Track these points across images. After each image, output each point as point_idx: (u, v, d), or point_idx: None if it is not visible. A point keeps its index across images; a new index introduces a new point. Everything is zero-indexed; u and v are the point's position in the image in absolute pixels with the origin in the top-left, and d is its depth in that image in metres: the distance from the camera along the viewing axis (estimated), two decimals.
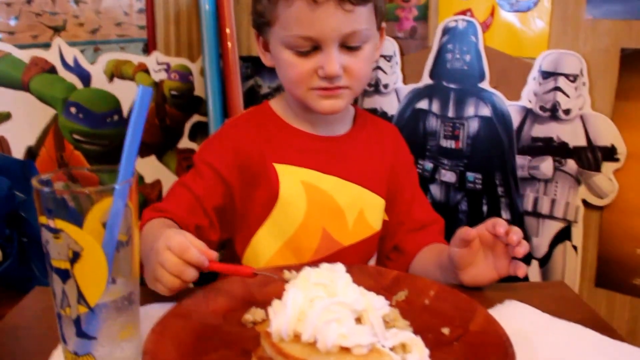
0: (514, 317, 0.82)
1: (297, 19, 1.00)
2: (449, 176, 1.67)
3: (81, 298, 0.65)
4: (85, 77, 2.08)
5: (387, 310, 0.72)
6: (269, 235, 1.13)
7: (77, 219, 0.64)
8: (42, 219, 0.64)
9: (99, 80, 2.11)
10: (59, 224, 0.63)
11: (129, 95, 2.19)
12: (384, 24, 1.14)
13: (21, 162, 1.75)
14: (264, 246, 1.13)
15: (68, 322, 0.66)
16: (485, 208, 1.66)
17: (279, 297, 0.71)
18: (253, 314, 0.82)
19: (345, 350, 0.64)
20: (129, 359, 0.70)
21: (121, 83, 2.15)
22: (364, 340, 0.64)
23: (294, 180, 1.11)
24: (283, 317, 0.67)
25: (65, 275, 0.65)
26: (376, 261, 1.23)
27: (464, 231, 0.92)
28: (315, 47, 1.02)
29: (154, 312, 0.78)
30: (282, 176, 1.11)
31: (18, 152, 2.00)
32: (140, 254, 0.76)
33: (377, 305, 0.71)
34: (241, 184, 1.12)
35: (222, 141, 1.15)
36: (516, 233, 0.89)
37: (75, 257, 0.63)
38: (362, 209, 1.16)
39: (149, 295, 0.87)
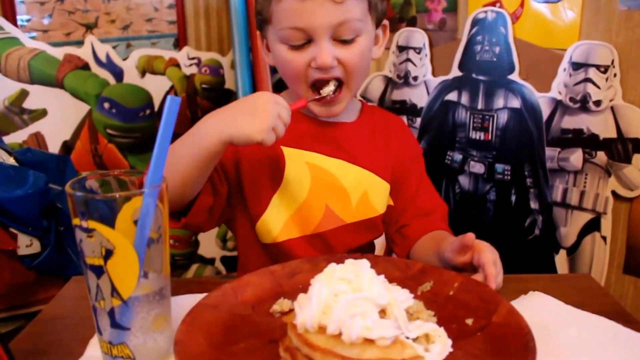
0: (537, 308, 0.83)
1: (289, 12, 1.05)
2: (477, 167, 1.67)
3: (115, 292, 0.68)
4: (118, 73, 2.11)
5: (410, 302, 0.74)
6: (277, 211, 1.17)
7: (109, 220, 0.66)
8: (76, 220, 0.67)
9: (131, 76, 2.14)
10: (91, 224, 0.66)
11: (161, 89, 2.22)
12: (386, 22, 1.17)
13: (57, 157, 1.80)
14: (274, 220, 1.17)
15: (103, 314, 0.69)
16: (513, 199, 1.66)
17: (306, 287, 0.73)
18: (281, 305, 0.84)
19: (369, 341, 0.66)
20: (161, 349, 0.73)
21: (153, 78, 2.18)
22: (387, 333, 0.66)
23: (299, 162, 1.16)
24: (308, 310, 0.69)
25: (99, 271, 0.67)
26: (385, 244, 1.27)
27: (464, 240, 0.94)
28: (308, 40, 1.06)
29: (184, 303, 0.81)
30: (289, 158, 1.16)
31: (54, 146, 2.05)
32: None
33: (400, 298, 0.73)
34: (249, 161, 1.16)
35: None
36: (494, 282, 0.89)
37: (108, 254, 0.66)
38: (366, 191, 1.20)
39: (181, 287, 0.90)
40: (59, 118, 2.06)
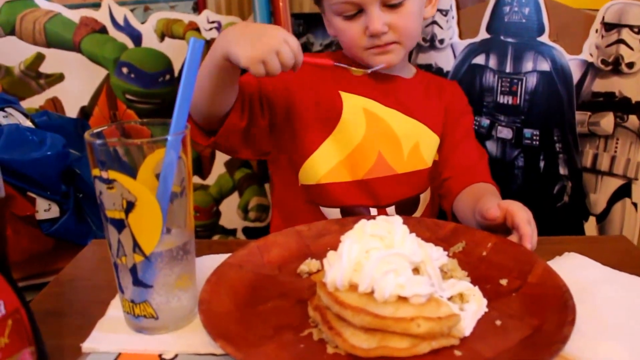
0: (573, 269, 0.80)
1: None
2: (505, 132, 1.62)
3: (137, 247, 0.65)
4: (136, 37, 2.07)
5: (444, 260, 0.71)
6: (328, 152, 1.19)
7: (130, 170, 0.63)
8: (95, 171, 0.64)
9: (149, 40, 2.10)
10: (112, 174, 0.63)
11: (180, 54, 2.17)
12: None
13: (75, 121, 1.77)
14: (323, 161, 1.18)
15: (124, 271, 0.66)
16: (542, 164, 1.61)
17: (334, 249, 0.70)
18: (308, 265, 0.81)
19: (403, 300, 0.62)
20: (184, 308, 0.70)
21: (172, 42, 2.13)
22: (422, 290, 0.63)
23: (356, 106, 1.19)
24: (338, 268, 0.66)
25: (120, 225, 0.64)
26: (430, 199, 1.28)
27: (489, 215, 0.91)
28: (359, 9, 1.11)
29: (208, 264, 0.78)
30: (346, 102, 1.18)
31: (72, 112, 2.02)
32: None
33: (434, 256, 0.69)
34: (304, 99, 1.18)
35: None
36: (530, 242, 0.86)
37: (129, 207, 0.63)
38: (417, 142, 1.22)
39: (204, 248, 0.87)
40: (76, 83, 2.02)
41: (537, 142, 1.61)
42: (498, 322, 0.68)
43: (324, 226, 0.91)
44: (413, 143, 1.22)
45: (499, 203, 0.90)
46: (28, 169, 1.38)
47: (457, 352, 0.63)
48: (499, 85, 1.64)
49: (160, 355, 0.66)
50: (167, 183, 0.64)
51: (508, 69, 1.62)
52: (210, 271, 0.76)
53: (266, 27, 0.94)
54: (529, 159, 1.61)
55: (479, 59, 1.68)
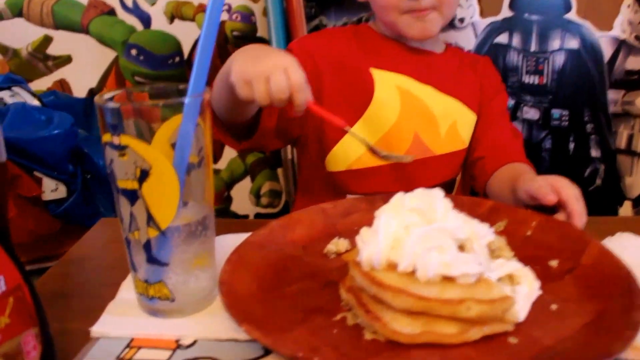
0: (626, 249, 0.72)
1: None
2: (532, 113, 1.55)
3: (151, 220, 0.58)
4: (145, 19, 2.02)
5: (492, 238, 0.64)
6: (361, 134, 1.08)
7: (144, 135, 0.57)
8: (106, 137, 0.58)
9: (159, 22, 2.04)
10: (124, 140, 0.56)
11: (190, 37, 2.12)
12: None
13: (83, 100, 1.71)
14: (353, 146, 1.10)
15: (138, 247, 0.60)
16: (572, 146, 1.54)
17: (362, 227, 0.63)
18: (336, 245, 0.75)
19: (449, 280, 0.56)
20: (203, 289, 0.64)
21: (181, 24, 2.08)
22: (470, 269, 0.56)
23: (389, 85, 1.11)
24: (375, 245, 0.59)
25: (133, 196, 0.58)
26: (460, 180, 1.23)
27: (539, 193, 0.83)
28: None
29: (227, 243, 0.71)
30: (378, 80, 1.11)
31: (80, 94, 1.97)
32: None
33: (481, 232, 0.63)
34: (333, 80, 1.10)
35: (323, 35, 1.19)
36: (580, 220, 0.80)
37: (143, 175, 0.56)
38: (455, 121, 1.15)
39: (221, 227, 0.81)
40: (84, 65, 1.98)
41: (566, 123, 1.54)
42: (554, 307, 0.61)
43: (351, 204, 0.84)
44: (450, 122, 1.15)
45: (545, 179, 0.83)
46: (34, 147, 1.32)
47: (512, 339, 0.56)
48: (524, 64, 1.57)
49: (177, 341, 0.59)
50: (183, 152, 0.58)
51: (533, 48, 1.55)
52: (229, 251, 0.69)
53: (274, 51, 0.84)
54: (557, 140, 1.54)
55: (502, 38, 1.61)
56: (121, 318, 0.63)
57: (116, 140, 0.56)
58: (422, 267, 0.56)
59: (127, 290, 0.67)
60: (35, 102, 1.46)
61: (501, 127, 1.19)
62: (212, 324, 0.61)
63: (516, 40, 1.58)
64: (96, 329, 0.61)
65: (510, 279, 0.62)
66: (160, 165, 0.56)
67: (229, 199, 2.25)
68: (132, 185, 0.57)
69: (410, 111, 1.11)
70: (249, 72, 0.78)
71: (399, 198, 0.63)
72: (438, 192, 0.63)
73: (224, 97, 0.88)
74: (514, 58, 1.57)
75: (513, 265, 0.63)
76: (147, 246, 0.59)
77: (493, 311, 0.56)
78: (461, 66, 1.21)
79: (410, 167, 1.08)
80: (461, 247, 0.59)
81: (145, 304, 0.63)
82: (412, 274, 0.57)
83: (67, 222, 1.43)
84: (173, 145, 0.58)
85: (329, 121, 0.83)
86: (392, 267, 0.58)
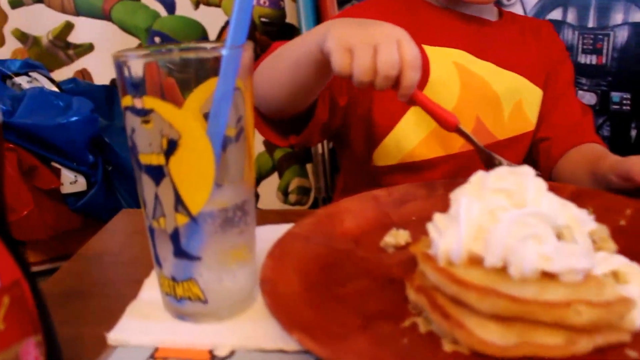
0: None
1: None
2: (587, 97, 1.43)
3: (180, 204, 0.47)
4: (169, 5, 1.94)
5: (593, 225, 0.52)
6: (414, 123, 0.98)
7: (173, 97, 0.46)
8: (126, 100, 0.47)
9: (183, 8, 1.97)
10: (148, 102, 0.46)
11: (216, 24, 2.04)
12: None
13: (105, 87, 1.62)
14: (408, 134, 0.98)
15: (163, 237, 0.49)
16: (633, 133, 1.42)
17: (422, 218, 0.54)
18: (395, 236, 0.64)
19: (549, 277, 0.44)
20: (242, 289, 0.53)
21: (207, 10, 2.00)
22: (578, 263, 0.44)
23: (445, 62, 0.98)
24: (453, 234, 0.48)
25: (158, 173, 0.47)
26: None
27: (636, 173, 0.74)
28: None
29: (266, 237, 0.60)
30: (433, 58, 0.97)
31: (101, 84, 1.89)
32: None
33: (582, 218, 0.51)
34: None
35: (372, 6, 1.05)
36: None
37: (171, 147, 0.46)
38: (520, 100, 1.03)
39: (258, 218, 0.70)
40: (106, 53, 1.89)
41: (628, 108, 1.42)
42: None
43: (406, 191, 0.73)
44: (515, 101, 1.02)
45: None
46: (52, 135, 1.23)
47: (631, 352, 0.45)
48: (580, 43, 1.45)
49: (210, 352, 0.49)
50: (219, 118, 0.47)
51: (591, 24, 1.43)
52: (269, 244, 0.59)
53: (382, 22, 0.72)
54: (616, 127, 1.42)
55: (555, 14, 1.48)
56: (143, 322, 0.53)
57: (138, 103, 0.46)
58: (517, 261, 0.45)
59: (151, 290, 0.57)
60: (54, 89, 1.38)
61: (569, 103, 1.08)
62: (253, 330, 0.51)
63: (571, 16, 1.46)
64: (114, 336, 0.51)
65: (616, 276, 0.51)
66: (192, 134, 0.46)
67: (255, 196, 2.15)
68: (157, 160, 0.46)
69: (470, 92, 0.99)
70: (354, 38, 0.66)
71: (479, 178, 0.52)
72: (528, 170, 0.52)
73: (289, 77, 0.78)
74: (568, 36, 1.45)
75: (619, 260, 0.51)
76: (175, 236, 0.48)
77: (609, 316, 0.44)
78: (522, 35, 1.08)
79: (468, 157, 0.97)
80: (558, 237, 0.48)
81: (172, 306, 0.53)
82: (502, 270, 0.46)
83: (87, 217, 1.34)
84: (206, 116, 0.47)
85: (438, 115, 0.73)
86: (475, 261, 0.47)
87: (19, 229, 1.29)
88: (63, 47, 1.87)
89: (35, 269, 1.29)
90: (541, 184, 0.50)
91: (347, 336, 0.47)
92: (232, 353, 0.48)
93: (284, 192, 2.21)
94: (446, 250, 0.48)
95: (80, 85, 1.48)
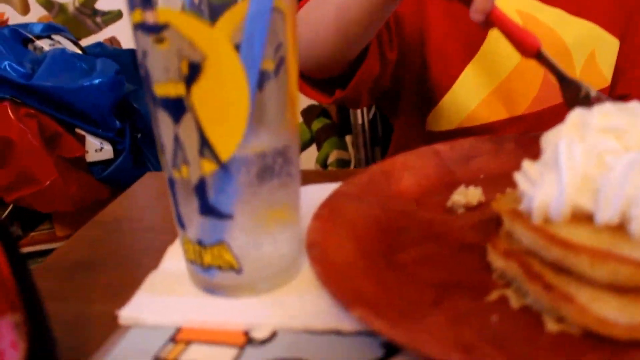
0: None
1: None
2: None
3: (206, 147, 0.37)
4: None
5: None
6: (474, 80, 0.87)
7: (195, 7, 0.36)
8: (136, 15, 0.37)
9: None
10: (163, 15, 0.36)
11: None
12: None
13: (133, 51, 1.54)
14: (468, 94, 0.87)
15: (186, 190, 0.40)
16: None
17: (490, 175, 0.49)
18: (465, 195, 0.53)
19: None
20: (284, 256, 0.43)
21: None
22: None
23: (507, 10, 0.83)
24: (552, 184, 0.38)
25: (177, 108, 0.37)
26: None
27: None
28: None
29: (312, 197, 0.50)
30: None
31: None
32: None
33: None
34: (436, 9, 0.87)
35: None
36: None
37: (193, 72, 0.36)
38: (593, 51, 0.90)
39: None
40: None
41: None
42: None
43: (471, 145, 0.62)
44: (587, 53, 0.90)
45: None
46: (75, 99, 1.14)
47: None
48: None
49: (246, 333, 0.39)
50: (254, 40, 0.37)
51: None
52: (314, 206, 0.49)
53: None
54: None
55: None
56: (163, 298, 0.43)
57: (150, 16, 0.36)
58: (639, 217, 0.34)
59: (175, 259, 0.48)
60: (77, 50, 1.29)
61: None
62: (299, 307, 0.41)
63: None
64: (126, 314, 0.41)
65: None
66: (220, 55, 0.36)
67: None
68: (175, 90, 0.36)
69: None
70: None
71: (579, 115, 0.41)
72: (637, 105, 0.41)
73: (337, 20, 0.70)
74: None
75: None
76: (201, 188, 0.39)
77: None
78: None
79: (535, 119, 0.87)
80: None
81: (199, 278, 0.43)
82: (617, 228, 0.35)
83: (115, 187, 1.25)
84: (238, 48, 0.37)
85: (517, 36, 0.63)
86: (580, 218, 0.37)
87: (42, 200, 1.22)
88: (90, 15, 1.80)
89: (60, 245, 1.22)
90: None
91: (419, 313, 0.38)
92: (272, 335, 0.38)
93: (323, 164, 2.12)
94: (544, 204, 0.38)
95: (107, 50, 1.39)
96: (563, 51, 0.88)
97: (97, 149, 1.21)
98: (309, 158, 2.09)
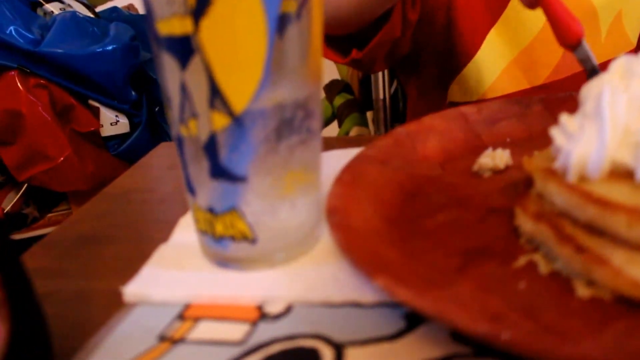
0: None
1: None
2: None
3: (217, 97, 0.34)
4: None
5: None
6: (496, 49, 0.83)
7: None
8: None
9: None
10: None
11: None
12: None
13: None
14: (490, 63, 0.83)
15: (195, 150, 0.37)
16: None
17: (516, 139, 0.47)
18: (492, 157, 0.51)
19: None
20: (303, 224, 0.41)
21: None
22: None
23: None
24: (592, 138, 0.35)
25: (184, 48, 0.34)
26: None
27: None
28: None
29: (334, 163, 0.47)
30: None
31: None
32: None
33: None
34: None
35: None
36: None
37: (202, 3, 0.33)
38: (620, 12, 0.87)
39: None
40: None
41: None
42: None
43: (499, 107, 0.59)
44: (615, 14, 0.86)
45: None
46: (88, 66, 1.10)
47: None
48: None
49: (259, 308, 0.36)
50: None
51: None
52: (335, 172, 0.46)
53: None
54: None
55: None
56: (172, 272, 0.40)
57: None
58: None
59: (187, 231, 0.45)
60: (89, 14, 1.25)
61: None
62: (317, 279, 0.38)
63: None
64: (132, 290, 0.38)
65: None
66: None
67: None
68: (181, 26, 0.33)
69: None
70: None
71: (625, 63, 0.38)
72: None
73: None
74: None
75: None
76: (211, 147, 0.36)
77: None
78: None
79: (556, 89, 0.83)
80: None
81: (210, 250, 0.41)
82: None
83: (132, 164, 1.23)
84: None
85: (562, 22, 0.60)
86: (619, 175, 0.34)
87: (56, 179, 1.18)
88: None
89: None
90: None
91: (445, 281, 0.35)
92: (288, 309, 0.35)
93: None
94: (582, 159, 0.35)
95: (122, 15, 1.34)
96: (590, 12, 0.84)
97: (113, 122, 1.17)
98: (331, 134, 2.07)
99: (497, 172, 0.50)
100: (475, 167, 0.51)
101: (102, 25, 1.19)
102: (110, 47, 1.13)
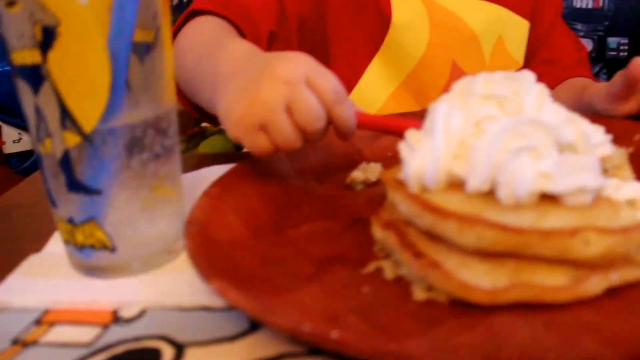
0: None
1: None
2: (583, 44, 1.33)
3: (67, 118, 0.36)
4: None
5: (608, 150, 0.42)
6: (380, 75, 0.84)
7: None
8: None
9: None
10: None
11: None
12: None
13: None
14: (374, 90, 0.84)
15: (52, 165, 0.38)
16: None
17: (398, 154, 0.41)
18: (364, 170, 0.53)
19: (550, 200, 0.34)
20: (162, 235, 0.42)
21: None
22: (587, 180, 0.34)
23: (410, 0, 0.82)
24: (428, 152, 0.37)
25: (35, 76, 0.36)
26: None
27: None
28: None
29: (204, 178, 0.49)
30: None
31: None
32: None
33: (594, 137, 0.40)
34: (336, 9, 0.82)
35: None
36: None
37: (47, 38, 0.34)
38: (500, 36, 0.89)
39: (189, 162, 0.60)
40: None
41: (625, 54, 1.31)
42: None
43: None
44: (495, 38, 0.88)
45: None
46: None
47: None
48: None
49: (114, 312, 0.37)
50: (124, 11, 0.36)
51: None
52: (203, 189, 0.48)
53: (267, 70, 0.46)
54: (613, 74, 1.32)
55: None
56: (36, 280, 0.41)
57: None
58: (507, 182, 0.34)
59: (60, 242, 0.46)
60: None
61: (560, 35, 0.94)
62: (172, 285, 0.40)
63: None
64: None
65: (632, 205, 0.40)
66: (74, 18, 0.34)
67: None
68: (31, 57, 0.35)
69: (442, 32, 0.84)
70: (238, 122, 0.47)
71: (465, 83, 0.41)
72: (528, 74, 0.41)
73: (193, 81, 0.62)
74: None
75: (635, 188, 0.40)
76: (65, 162, 0.37)
77: (625, 246, 0.34)
78: None
79: None
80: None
81: (75, 258, 0.42)
82: (489, 194, 0.35)
83: None
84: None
85: (401, 129, 0.47)
86: (454, 185, 0.36)
87: None
88: None
89: None
90: (544, 90, 0.40)
91: (292, 286, 0.37)
92: (141, 313, 0.37)
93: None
94: (419, 171, 0.37)
95: None
96: (471, 38, 0.86)
97: (15, 139, 1.17)
98: None
99: (369, 184, 0.53)
100: (348, 180, 0.53)
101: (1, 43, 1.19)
102: (9, 67, 1.12)
